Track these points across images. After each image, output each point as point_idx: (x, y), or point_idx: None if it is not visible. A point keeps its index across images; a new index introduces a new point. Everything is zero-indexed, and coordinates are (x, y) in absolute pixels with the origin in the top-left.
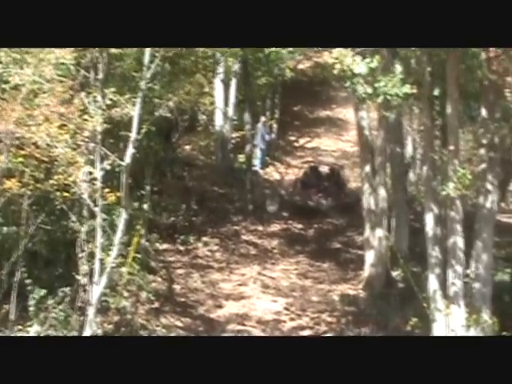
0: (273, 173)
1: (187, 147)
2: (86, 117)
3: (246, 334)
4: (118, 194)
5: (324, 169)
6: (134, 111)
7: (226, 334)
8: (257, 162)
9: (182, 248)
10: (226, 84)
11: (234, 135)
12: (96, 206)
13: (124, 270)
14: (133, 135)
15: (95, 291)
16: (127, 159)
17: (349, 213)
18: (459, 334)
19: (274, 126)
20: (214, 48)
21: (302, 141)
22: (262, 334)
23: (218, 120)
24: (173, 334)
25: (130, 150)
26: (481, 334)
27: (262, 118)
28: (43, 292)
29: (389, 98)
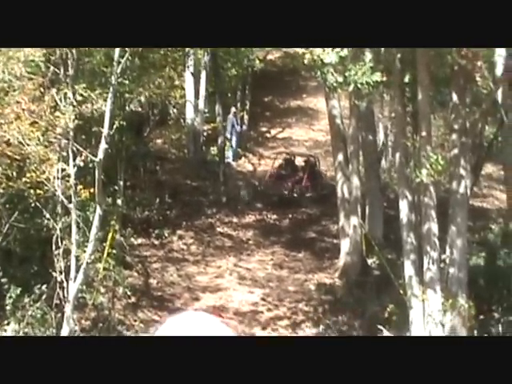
0: (245, 164)
1: (159, 141)
2: (57, 114)
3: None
4: (92, 190)
5: (299, 160)
6: (106, 106)
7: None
8: (229, 154)
9: (156, 242)
10: (196, 77)
11: (205, 128)
12: (70, 202)
13: (100, 265)
14: (105, 130)
15: (72, 288)
16: (100, 155)
17: (325, 203)
18: (436, 320)
19: (246, 117)
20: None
21: (273, 131)
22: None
23: (189, 113)
24: (152, 330)
25: (103, 146)
26: (457, 319)
27: (233, 109)
28: (19, 290)
29: (359, 86)
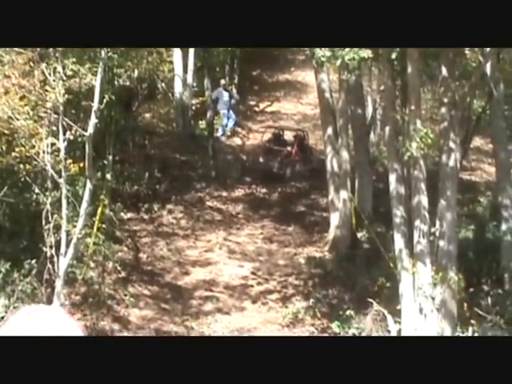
0: (234, 138)
1: (147, 115)
2: (47, 88)
3: (214, 300)
4: (81, 165)
5: (288, 134)
6: (96, 81)
7: (194, 301)
8: (220, 129)
9: (146, 217)
10: (185, 51)
11: (193, 102)
12: (60, 177)
13: (89, 240)
14: (95, 105)
15: (62, 263)
16: (90, 129)
17: (314, 177)
18: (426, 293)
19: (234, 90)
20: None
21: (262, 105)
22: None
23: (178, 87)
24: (142, 304)
25: (93, 120)
26: (447, 291)
27: (222, 82)
28: (8, 265)
29: (347, 61)
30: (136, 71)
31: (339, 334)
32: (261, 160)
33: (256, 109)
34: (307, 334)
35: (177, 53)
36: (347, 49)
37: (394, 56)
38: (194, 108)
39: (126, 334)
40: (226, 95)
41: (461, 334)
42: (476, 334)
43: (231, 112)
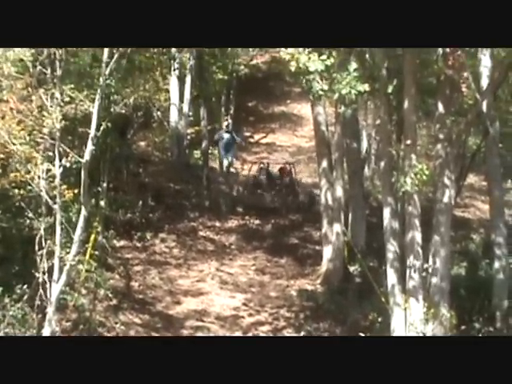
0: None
1: (142, 143)
2: (44, 114)
3: (205, 331)
4: (75, 191)
5: (275, 168)
6: (93, 108)
7: (185, 331)
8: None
9: (139, 245)
10: (181, 80)
11: (189, 131)
12: (55, 203)
13: (81, 267)
14: (92, 132)
15: (54, 289)
16: (86, 156)
17: (303, 211)
18: (418, 329)
19: (229, 121)
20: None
21: (257, 136)
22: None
23: (173, 116)
24: (132, 332)
25: (90, 147)
26: (439, 328)
27: (225, 123)
28: (0, 290)
29: (344, 95)
30: (132, 98)
31: None
32: (248, 196)
33: (251, 140)
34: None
35: (173, 81)
36: (344, 83)
37: (390, 90)
38: (189, 137)
39: None
40: (226, 137)
41: None
42: None
43: (229, 153)
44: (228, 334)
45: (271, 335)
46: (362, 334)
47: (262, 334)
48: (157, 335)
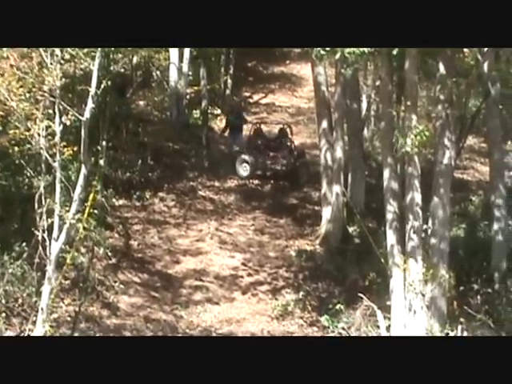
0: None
1: (141, 103)
2: (44, 71)
3: (204, 290)
4: (75, 149)
5: (270, 130)
6: (93, 66)
7: (184, 290)
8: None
9: (138, 204)
10: None
11: (188, 91)
12: (55, 161)
13: (80, 225)
14: (92, 90)
15: (54, 247)
16: (87, 114)
17: (300, 173)
18: (417, 289)
19: (229, 81)
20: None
21: (256, 97)
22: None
23: (173, 76)
24: (131, 291)
25: (90, 105)
26: (437, 289)
27: (234, 99)
28: None
29: (346, 55)
30: (133, 58)
31: (328, 327)
32: (246, 157)
33: (250, 100)
34: (296, 327)
35: None
36: None
37: (394, 52)
38: (188, 97)
39: (114, 320)
40: (234, 121)
41: (450, 332)
42: (465, 333)
43: (238, 138)
44: (227, 294)
45: (271, 335)
46: (361, 295)
47: (260, 294)
48: (158, 336)
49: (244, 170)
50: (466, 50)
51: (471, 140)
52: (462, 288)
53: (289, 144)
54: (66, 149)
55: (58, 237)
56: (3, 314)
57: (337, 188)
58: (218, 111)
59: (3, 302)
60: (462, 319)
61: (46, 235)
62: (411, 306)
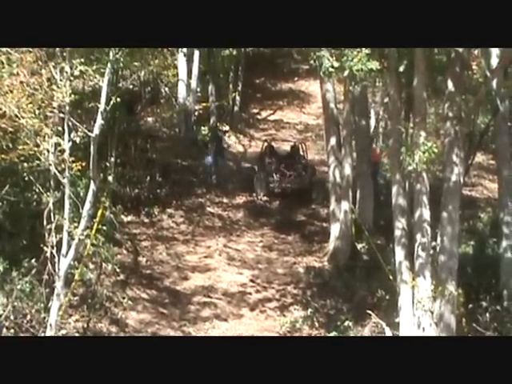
0: (236, 145)
1: (150, 119)
2: (53, 87)
3: (212, 307)
4: (83, 165)
5: (281, 147)
6: (103, 82)
7: (192, 306)
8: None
9: (146, 220)
10: (189, 56)
11: (197, 107)
12: (64, 177)
13: (88, 241)
14: (101, 106)
15: (63, 263)
16: (96, 130)
17: (315, 190)
18: (425, 306)
19: (237, 98)
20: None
21: (264, 113)
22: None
23: (181, 92)
24: (140, 307)
25: (99, 121)
26: (446, 306)
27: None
28: (6, 263)
29: (355, 72)
30: (141, 74)
31: None
32: (257, 176)
33: (258, 117)
34: None
35: (181, 58)
36: (355, 60)
37: (401, 68)
38: (196, 113)
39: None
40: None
41: None
42: None
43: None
44: (235, 311)
45: (272, 335)
46: (370, 312)
47: (269, 311)
48: (159, 335)
49: (261, 188)
50: (474, 66)
51: (480, 157)
52: (470, 305)
53: (302, 161)
54: (74, 164)
55: (67, 253)
56: (12, 330)
57: (345, 205)
58: (227, 128)
59: (12, 318)
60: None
61: (54, 251)
62: (420, 322)
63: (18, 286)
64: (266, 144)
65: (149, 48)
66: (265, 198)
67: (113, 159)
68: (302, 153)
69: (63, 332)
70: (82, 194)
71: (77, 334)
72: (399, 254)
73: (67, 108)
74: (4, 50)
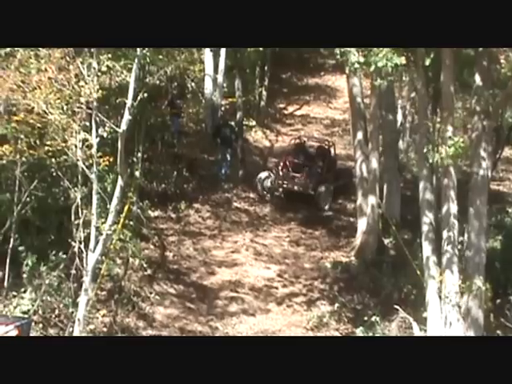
0: (263, 140)
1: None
2: (81, 83)
3: (239, 301)
4: (111, 160)
5: (312, 147)
6: (130, 78)
7: (219, 301)
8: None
9: (173, 215)
10: (216, 51)
11: (223, 102)
12: (91, 172)
13: (115, 237)
14: (129, 102)
15: (91, 258)
16: (123, 126)
17: (339, 195)
18: (453, 301)
19: (264, 93)
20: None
21: (291, 108)
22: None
23: (208, 87)
24: (167, 302)
25: (127, 117)
26: (474, 301)
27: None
28: (35, 258)
29: (380, 68)
30: (168, 69)
31: None
32: (282, 177)
33: (285, 111)
34: None
35: (207, 53)
36: (380, 55)
37: (427, 63)
38: (223, 108)
39: (150, 331)
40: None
41: None
42: None
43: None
44: (262, 306)
45: (272, 335)
46: (397, 307)
47: (296, 306)
48: (159, 336)
49: (264, 188)
50: (503, 60)
51: (507, 151)
52: (498, 300)
53: (320, 165)
54: (102, 160)
55: (95, 248)
56: (40, 325)
57: (372, 199)
58: (253, 123)
59: (40, 312)
60: (498, 332)
61: (82, 246)
62: (447, 318)
63: (47, 281)
64: (296, 141)
65: (144, 48)
66: (267, 198)
67: (140, 154)
68: (329, 153)
69: (91, 327)
70: (109, 189)
71: (104, 329)
72: (426, 248)
73: (95, 104)
74: None
